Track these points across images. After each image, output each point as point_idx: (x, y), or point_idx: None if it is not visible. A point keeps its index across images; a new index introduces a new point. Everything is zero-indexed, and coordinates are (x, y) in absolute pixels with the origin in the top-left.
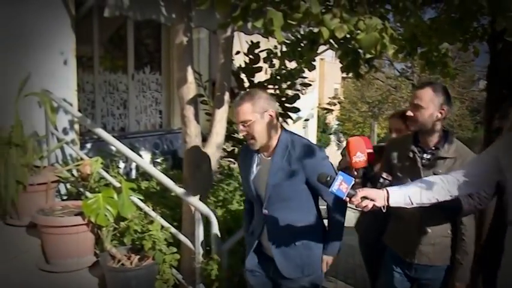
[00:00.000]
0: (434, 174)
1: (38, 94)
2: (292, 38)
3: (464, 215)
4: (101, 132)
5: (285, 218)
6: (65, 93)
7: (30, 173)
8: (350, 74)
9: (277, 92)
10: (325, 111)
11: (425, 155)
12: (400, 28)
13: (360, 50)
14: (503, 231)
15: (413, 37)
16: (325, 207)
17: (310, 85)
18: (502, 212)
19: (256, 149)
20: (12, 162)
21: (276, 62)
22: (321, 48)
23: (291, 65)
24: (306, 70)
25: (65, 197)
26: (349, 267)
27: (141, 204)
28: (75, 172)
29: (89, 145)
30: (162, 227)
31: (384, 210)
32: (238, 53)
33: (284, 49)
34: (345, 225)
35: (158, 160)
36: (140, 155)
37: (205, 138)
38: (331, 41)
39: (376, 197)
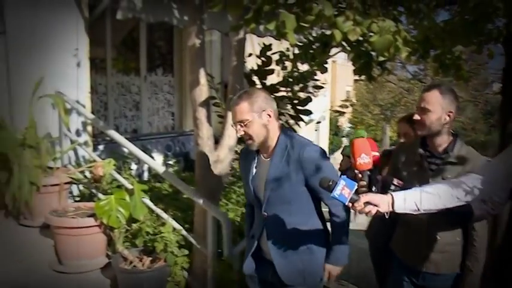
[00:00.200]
0: (443, 179)
1: (51, 96)
2: (305, 40)
3: (476, 220)
4: (113, 134)
5: (284, 220)
6: (78, 95)
7: (44, 174)
8: (362, 77)
9: (290, 94)
10: (337, 113)
11: (433, 160)
12: (412, 30)
13: (373, 53)
14: None
15: (426, 39)
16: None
17: (322, 87)
18: None
19: (256, 150)
20: (26, 163)
21: (288, 64)
22: (333, 50)
23: (303, 67)
24: (318, 72)
25: (77, 198)
26: (361, 271)
27: (153, 206)
28: (87, 174)
29: (101, 147)
30: (174, 229)
31: (387, 216)
32: (250, 55)
33: (296, 51)
34: (358, 228)
35: (170, 162)
36: (152, 157)
37: (217, 141)
38: (343, 43)
39: (380, 203)
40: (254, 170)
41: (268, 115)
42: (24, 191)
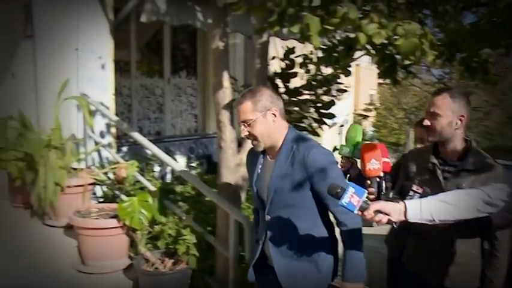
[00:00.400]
0: (458, 188)
1: (76, 98)
2: (329, 43)
3: (498, 229)
4: (137, 135)
5: (287, 224)
6: (102, 97)
7: (68, 175)
8: (387, 80)
9: (313, 97)
10: (360, 117)
11: (446, 168)
12: (438, 33)
13: (397, 56)
14: None
15: (452, 42)
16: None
17: (346, 91)
18: None
19: (262, 151)
20: (51, 164)
21: (311, 67)
22: (357, 53)
23: (327, 70)
24: (341, 76)
25: (100, 199)
26: (383, 277)
27: (176, 209)
28: (111, 175)
29: (125, 148)
30: (196, 231)
31: (396, 226)
32: (274, 58)
33: (320, 54)
34: (380, 233)
35: (193, 164)
36: (175, 159)
37: (240, 144)
38: (368, 46)
39: (392, 211)
40: (259, 171)
41: (273, 114)
42: (49, 191)
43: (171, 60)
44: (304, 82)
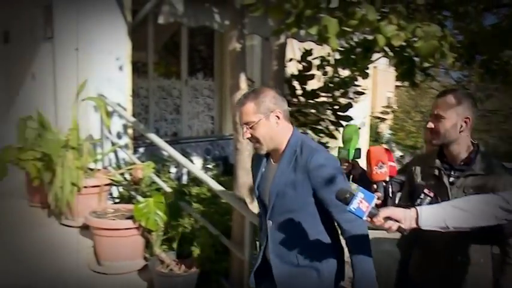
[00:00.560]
0: (465, 193)
1: (94, 99)
2: (346, 45)
3: (510, 236)
4: (153, 137)
5: (288, 230)
6: (119, 98)
7: (85, 176)
8: (404, 83)
9: (330, 100)
10: (377, 120)
11: (452, 173)
12: (457, 35)
13: (416, 58)
14: None
15: (472, 44)
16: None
17: (363, 93)
18: None
19: (266, 154)
20: (68, 164)
21: (329, 69)
22: (375, 55)
23: (344, 72)
24: (359, 78)
25: (117, 200)
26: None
27: (191, 210)
28: (127, 176)
29: (141, 149)
30: (211, 233)
31: (405, 233)
32: (291, 60)
33: (337, 56)
34: (393, 236)
35: (209, 166)
36: (191, 161)
37: None
38: (386, 48)
39: (402, 218)
40: (262, 175)
41: (277, 116)
42: (66, 192)
43: (188, 62)
44: (321, 84)
